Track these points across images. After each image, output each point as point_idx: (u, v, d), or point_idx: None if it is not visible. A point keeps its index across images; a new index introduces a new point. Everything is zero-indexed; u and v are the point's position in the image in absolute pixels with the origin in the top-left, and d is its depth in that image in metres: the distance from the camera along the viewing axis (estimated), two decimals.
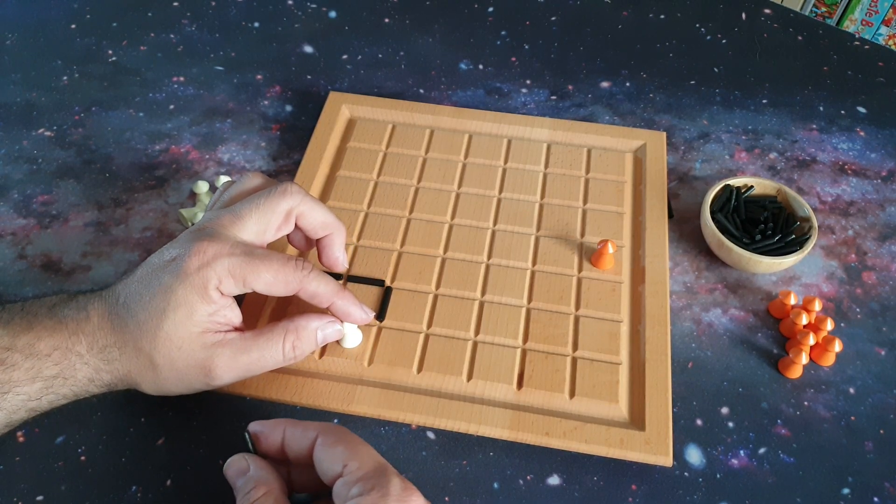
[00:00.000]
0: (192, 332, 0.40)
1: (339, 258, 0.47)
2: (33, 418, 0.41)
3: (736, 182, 0.56)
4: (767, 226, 0.54)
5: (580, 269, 0.52)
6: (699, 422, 0.47)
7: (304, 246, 0.48)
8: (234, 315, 0.42)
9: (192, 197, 0.58)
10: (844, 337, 0.51)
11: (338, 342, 0.48)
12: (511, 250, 0.53)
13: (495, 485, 0.44)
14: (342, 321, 0.45)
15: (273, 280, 0.41)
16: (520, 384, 0.47)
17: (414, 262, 0.52)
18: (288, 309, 0.50)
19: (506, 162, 0.59)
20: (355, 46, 0.71)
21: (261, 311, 0.50)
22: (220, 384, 0.42)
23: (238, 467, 0.38)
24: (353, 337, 0.47)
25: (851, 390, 0.49)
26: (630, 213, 0.56)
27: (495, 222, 0.55)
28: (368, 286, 0.51)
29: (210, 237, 0.41)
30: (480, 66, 0.69)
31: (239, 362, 0.41)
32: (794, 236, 0.53)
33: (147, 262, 0.42)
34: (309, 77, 0.68)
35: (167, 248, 0.42)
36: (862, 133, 0.65)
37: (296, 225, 0.45)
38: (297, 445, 0.38)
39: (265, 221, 0.43)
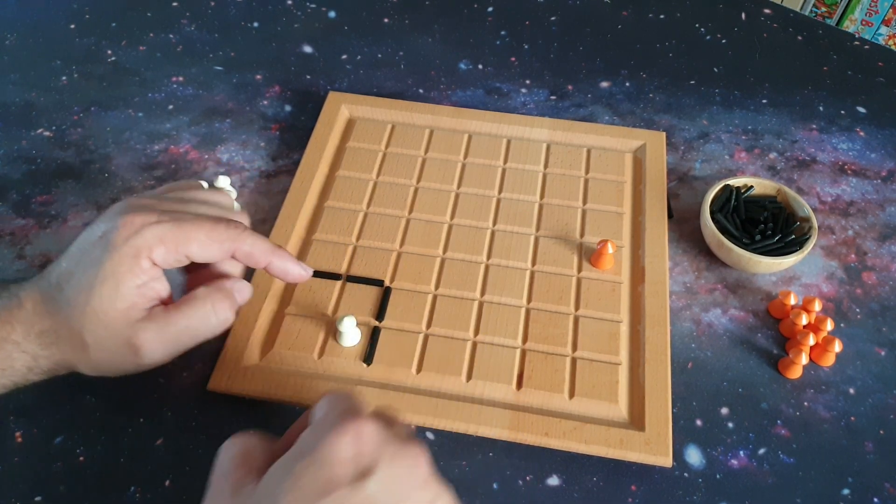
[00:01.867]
0: (118, 308, 0.38)
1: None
2: None
3: (736, 182, 0.56)
4: (767, 226, 0.54)
5: (580, 270, 0.52)
6: (699, 422, 0.47)
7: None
8: (163, 287, 0.41)
9: None
10: (844, 337, 0.51)
11: (336, 341, 0.48)
12: (510, 250, 0.53)
13: (495, 485, 0.44)
14: (284, 281, 0.45)
15: (206, 241, 0.40)
16: (519, 384, 0.47)
17: (413, 263, 0.52)
18: (286, 309, 0.50)
19: (505, 162, 0.59)
20: (355, 46, 0.71)
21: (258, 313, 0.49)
22: (149, 362, 0.40)
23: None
24: (350, 336, 0.47)
25: (851, 391, 0.49)
26: (630, 214, 0.56)
27: (495, 222, 0.55)
28: (368, 286, 0.51)
29: (137, 209, 0.40)
30: (480, 66, 0.69)
31: (166, 335, 0.39)
32: (793, 236, 0.53)
33: (77, 240, 0.41)
34: (308, 77, 0.68)
35: (96, 223, 0.41)
36: (862, 133, 0.65)
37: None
38: None
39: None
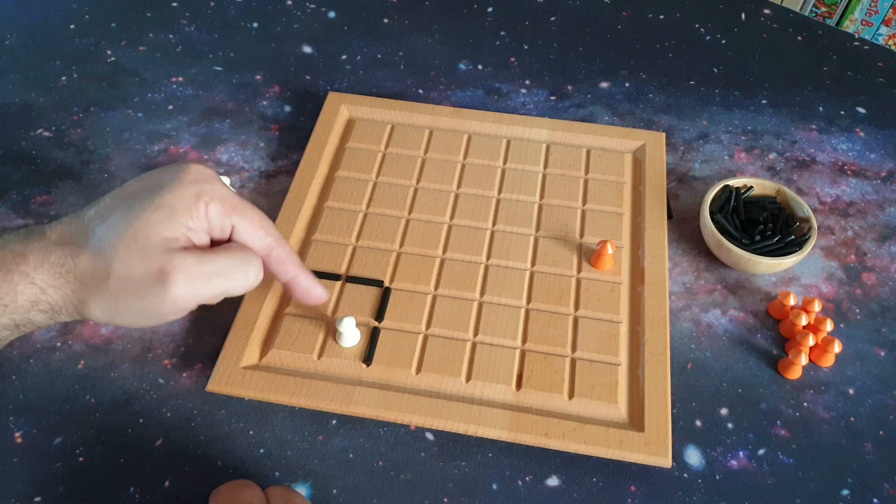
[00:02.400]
0: (161, 235, 0.38)
1: (315, 290, 0.46)
2: None
3: (735, 182, 0.56)
4: (767, 226, 0.54)
5: (579, 270, 0.52)
6: (698, 423, 0.47)
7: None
8: (205, 243, 0.41)
9: None
10: (844, 338, 0.51)
11: (336, 341, 0.48)
12: (510, 251, 0.53)
13: (494, 486, 0.44)
14: (302, 300, 0.46)
15: (256, 224, 0.41)
16: (519, 385, 0.47)
17: (413, 263, 0.52)
18: (285, 309, 0.50)
19: (505, 162, 0.59)
20: (354, 47, 0.71)
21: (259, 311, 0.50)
22: (174, 296, 0.38)
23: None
24: (350, 336, 0.47)
25: (851, 391, 0.49)
26: (629, 214, 0.56)
27: (494, 223, 0.55)
28: (367, 287, 0.51)
29: (204, 167, 0.41)
30: (480, 67, 0.69)
31: (200, 272, 0.38)
32: (793, 237, 0.53)
33: (124, 185, 0.40)
34: (308, 77, 0.68)
35: (152, 172, 0.41)
36: (861, 133, 0.65)
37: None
38: None
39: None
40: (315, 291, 0.45)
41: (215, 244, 0.42)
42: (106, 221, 0.38)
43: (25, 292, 0.37)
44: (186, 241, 0.39)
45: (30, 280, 0.37)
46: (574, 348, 0.48)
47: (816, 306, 0.51)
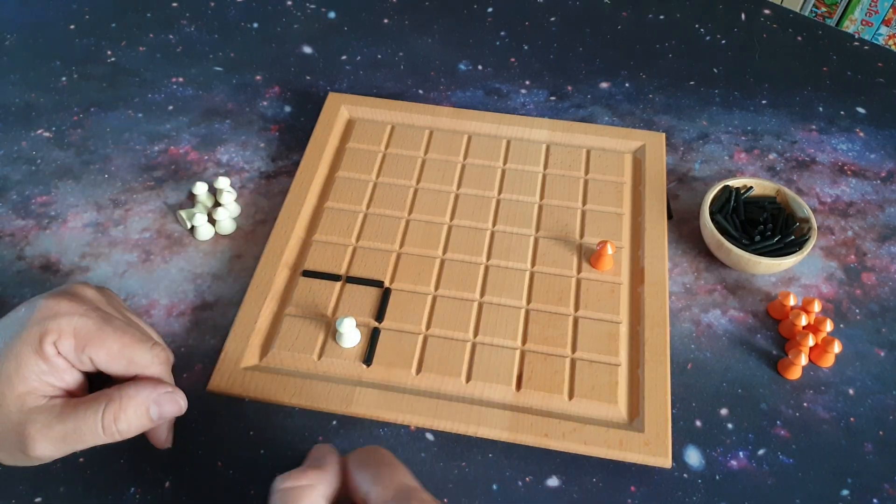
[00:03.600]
0: (16, 391, 0.36)
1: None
2: None
3: (735, 183, 0.56)
4: (767, 227, 0.54)
5: (579, 270, 0.52)
6: (698, 423, 0.47)
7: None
8: (73, 380, 0.38)
9: (191, 198, 0.58)
10: (844, 338, 0.51)
11: (336, 342, 0.48)
12: (510, 251, 0.53)
13: (494, 486, 0.44)
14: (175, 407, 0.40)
15: (118, 348, 0.38)
16: (519, 385, 0.47)
17: (413, 263, 0.52)
18: (284, 310, 0.50)
19: (505, 163, 0.59)
20: (354, 47, 0.71)
21: None
22: (38, 456, 0.36)
23: (318, 447, 0.37)
24: (350, 337, 0.47)
25: (851, 391, 0.49)
26: (629, 214, 0.56)
27: (494, 223, 0.55)
28: (367, 287, 0.51)
29: (69, 296, 0.38)
30: (480, 67, 0.69)
31: (54, 431, 0.36)
32: (793, 237, 0.53)
33: (6, 315, 0.38)
34: (308, 78, 0.68)
35: (27, 302, 0.38)
36: (861, 133, 0.65)
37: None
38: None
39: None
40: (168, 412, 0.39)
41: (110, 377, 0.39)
42: None
43: None
44: (46, 389, 0.37)
45: None
46: (574, 349, 0.48)
47: (816, 306, 0.51)
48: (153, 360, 0.39)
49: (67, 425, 0.36)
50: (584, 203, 0.56)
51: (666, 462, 0.44)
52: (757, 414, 0.47)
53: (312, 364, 0.47)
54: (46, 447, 0.36)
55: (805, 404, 0.48)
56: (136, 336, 0.39)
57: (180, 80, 0.67)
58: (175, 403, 0.39)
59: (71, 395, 0.38)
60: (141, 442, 0.45)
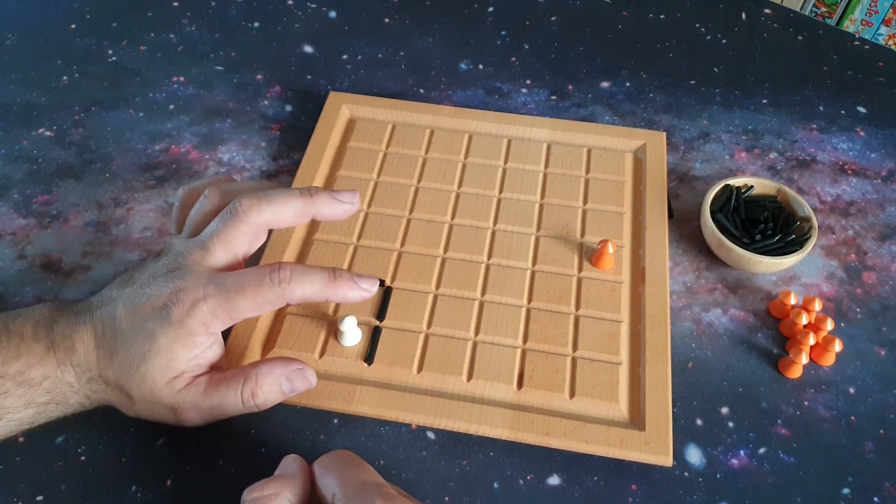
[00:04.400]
0: (166, 377, 0.40)
1: (335, 211, 0.44)
2: (21, 432, 0.43)
3: (736, 182, 0.56)
4: (767, 226, 0.54)
5: (580, 269, 0.52)
6: (699, 422, 0.47)
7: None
8: (215, 354, 0.42)
9: None
10: (844, 337, 0.51)
11: (337, 340, 0.48)
12: (511, 250, 0.53)
13: (495, 485, 0.44)
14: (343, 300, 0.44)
15: (254, 305, 0.40)
16: (520, 384, 0.47)
17: (414, 262, 0.52)
18: (287, 308, 0.50)
19: (506, 162, 0.59)
20: (355, 46, 0.71)
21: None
22: (190, 425, 0.43)
23: (286, 463, 0.39)
24: (351, 335, 0.47)
25: (851, 390, 0.49)
26: (630, 213, 0.56)
27: (495, 222, 0.55)
28: None
29: (186, 278, 0.41)
30: (480, 66, 0.69)
31: (202, 407, 0.41)
32: (794, 236, 0.53)
33: (132, 295, 0.41)
34: (309, 77, 0.68)
35: (147, 285, 0.41)
36: (862, 133, 0.65)
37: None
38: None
39: (231, 250, 0.42)
40: (352, 297, 0.43)
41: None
42: (117, 354, 0.40)
43: (74, 398, 0.42)
44: (193, 370, 0.41)
45: (75, 391, 0.41)
46: (575, 347, 0.48)
47: (817, 305, 0.51)
48: (284, 290, 0.41)
49: (213, 401, 0.41)
50: (585, 202, 0.56)
51: (667, 461, 0.44)
52: (758, 413, 0.47)
53: (313, 363, 0.48)
54: (195, 419, 0.42)
55: (806, 403, 0.48)
56: (255, 281, 0.40)
57: (181, 79, 0.67)
58: (305, 379, 0.43)
59: (215, 367, 0.43)
60: (143, 441, 0.45)
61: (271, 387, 0.42)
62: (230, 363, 0.47)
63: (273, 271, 0.41)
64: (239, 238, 0.42)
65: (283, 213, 0.43)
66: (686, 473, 0.45)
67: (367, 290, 0.44)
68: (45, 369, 0.40)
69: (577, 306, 0.50)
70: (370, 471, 0.37)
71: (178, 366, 0.40)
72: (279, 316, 0.50)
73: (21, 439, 0.45)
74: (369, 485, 0.35)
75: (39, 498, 0.43)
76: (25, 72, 0.67)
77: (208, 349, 0.42)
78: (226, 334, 0.49)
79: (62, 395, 0.41)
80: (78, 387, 0.41)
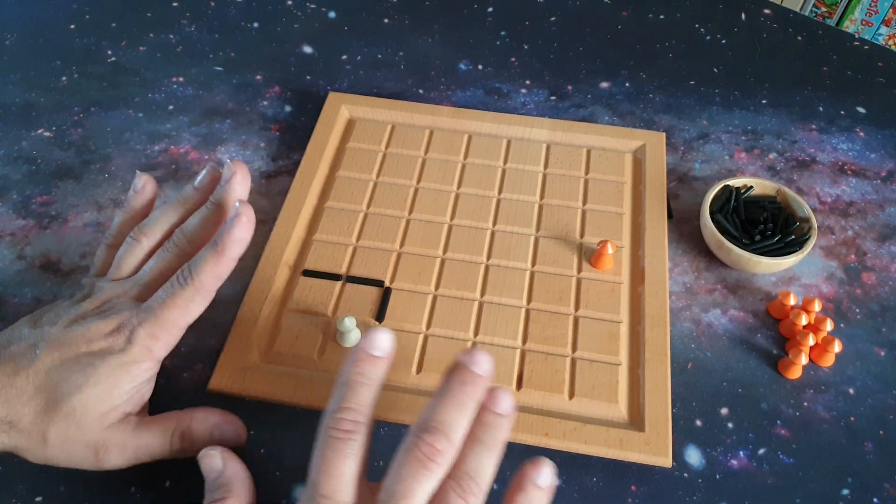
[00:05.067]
0: (99, 411, 0.39)
1: (229, 188, 0.44)
2: None
3: (735, 182, 0.56)
4: (767, 226, 0.54)
5: (580, 270, 0.52)
6: (699, 422, 0.47)
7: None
8: (148, 392, 0.42)
9: None
10: (844, 337, 0.51)
11: (336, 341, 0.48)
12: (510, 251, 0.53)
13: (495, 485, 0.44)
14: (243, 245, 0.43)
15: (181, 311, 0.40)
16: (519, 385, 0.47)
17: (413, 263, 0.52)
18: (287, 307, 0.50)
19: (505, 162, 0.59)
20: (355, 47, 0.71)
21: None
22: (109, 467, 0.40)
23: (211, 464, 0.39)
24: (351, 336, 0.47)
25: (851, 391, 0.49)
26: (629, 214, 0.56)
27: (495, 223, 0.55)
28: (368, 287, 0.51)
29: (121, 312, 0.40)
30: (480, 67, 0.69)
31: (128, 447, 0.40)
32: (793, 237, 0.53)
33: (55, 338, 0.39)
34: (308, 77, 0.68)
35: (78, 324, 0.40)
36: (861, 133, 0.65)
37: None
38: None
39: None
40: (237, 237, 0.42)
41: None
42: (34, 394, 0.38)
43: None
44: (127, 406, 0.40)
45: None
46: (574, 348, 0.48)
47: (816, 306, 0.51)
48: (191, 277, 0.41)
49: (141, 441, 0.40)
50: (585, 203, 0.56)
51: (666, 461, 0.44)
52: (757, 413, 0.47)
53: (313, 363, 0.47)
54: (118, 459, 0.40)
55: (805, 404, 0.48)
56: (168, 291, 0.40)
57: (181, 79, 0.67)
58: (236, 434, 0.43)
59: (138, 413, 0.41)
60: None
61: (201, 435, 0.42)
62: (230, 364, 0.47)
63: (177, 276, 0.41)
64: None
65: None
66: (685, 474, 0.45)
67: (246, 216, 0.42)
68: None
69: (577, 307, 0.50)
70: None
71: (116, 397, 0.39)
72: (278, 317, 0.50)
73: None
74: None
75: (38, 499, 0.43)
76: (25, 72, 0.67)
77: (146, 384, 0.41)
78: (223, 335, 0.49)
79: None
80: None
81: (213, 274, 0.41)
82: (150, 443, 0.40)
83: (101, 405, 0.39)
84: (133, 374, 0.40)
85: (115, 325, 0.40)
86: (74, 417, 0.38)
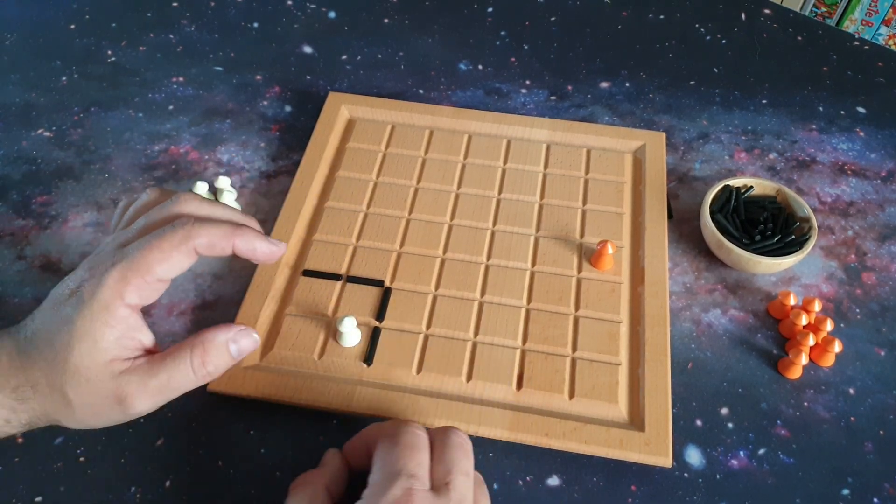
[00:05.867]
0: (100, 362, 0.37)
1: (258, 248, 0.42)
2: None
3: (735, 182, 0.56)
4: (767, 226, 0.54)
5: (580, 270, 0.52)
6: (699, 422, 0.47)
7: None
8: (145, 337, 0.40)
9: None
10: (844, 337, 0.51)
11: (336, 341, 0.48)
12: (510, 251, 0.53)
13: (495, 486, 0.44)
14: (254, 261, 0.43)
15: (162, 255, 0.38)
16: (519, 385, 0.47)
17: (413, 263, 0.52)
18: (289, 303, 0.50)
19: (505, 162, 0.59)
20: (355, 47, 0.71)
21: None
22: (137, 413, 0.39)
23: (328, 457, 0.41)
24: (350, 336, 0.47)
25: (851, 391, 0.49)
26: (629, 214, 0.56)
27: (495, 223, 0.55)
28: (368, 287, 0.51)
29: (96, 258, 0.39)
30: (480, 67, 0.69)
31: (150, 387, 0.38)
32: (793, 237, 0.53)
33: (50, 295, 0.40)
34: (308, 77, 0.68)
35: (67, 278, 0.40)
36: (861, 133, 0.65)
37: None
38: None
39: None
40: (261, 249, 0.42)
41: None
42: (42, 352, 0.38)
43: None
44: (126, 352, 0.39)
45: None
46: (574, 348, 0.48)
47: (816, 306, 0.51)
48: (188, 232, 0.39)
49: (161, 378, 0.39)
50: (585, 203, 0.56)
51: (666, 461, 0.44)
52: (757, 413, 0.47)
53: (313, 363, 0.47)
54: (145, 402, 0.39)
55: (805, 404, 0.48)
56: (156, 235, 0.39)
57: (181, 79, 0.67)
58: (250, 338, 0.42)
59: (149, 352, 0.40)
60: (142, 441, 0.45)
61: (219, 352, 0.40)
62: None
63: (175, 220, 0.40)
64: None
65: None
66: (686, 474, 0.45)
67: (277, 246, 0.42)
68: None
69: (577, 307, 0.50)
70: (421, 457, 0.37)
71: (106, 347, 0.38)
72: (278, 317, 0.50)
73: (20, 440, 0.45)
74: (395, 473, 0.36)
75: (38, 499, 0.43)
76: (25, 72, 0.67)
77: (135, 330, 0.39)
78: None
79: None
80: (1, 398, 0.38)
81: (213, 239, 0.39)
82: (171, 378, 0.39)
83: (99, 357, 0.37)
84: (110, 324, 0.37)
85: (89, 268, 0.38)
86: (81, 374, 0.37)
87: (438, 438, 0.39)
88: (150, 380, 0.38)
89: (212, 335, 0.40)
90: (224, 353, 0.41)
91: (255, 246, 0.41)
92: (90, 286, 0.38)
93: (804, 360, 0.48)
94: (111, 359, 0.38)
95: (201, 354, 0.40)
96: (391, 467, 0.36)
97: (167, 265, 0.38)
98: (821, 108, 0.66)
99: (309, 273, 0.51)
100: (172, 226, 0.39)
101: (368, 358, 0.47)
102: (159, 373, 0.39)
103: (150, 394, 0.39)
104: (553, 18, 0.75)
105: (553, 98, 0.67)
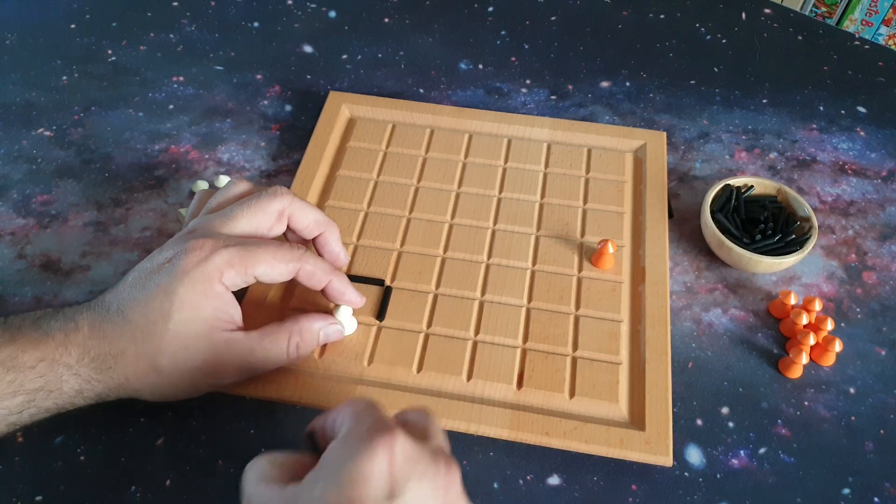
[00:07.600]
0: (200, 331, 0.40)
1: (339, 253, 0.48)
2: (12, 432, 0.40)
3: (736, 182, 0.56)
4: (767, 226, 0.54)
5: (580, 269, 0.52)
6: (699, 422, 0.47)
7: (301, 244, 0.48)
8: (237, 313, 0.42)
9: (192, 197, 0.58)
10: (845, 337, 0.51)
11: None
12: (511, 250, 0.53)
13: (495, 485, 0.44)
14: (337, 303, 0.47)
15: (272, 261, 0.41)
16: (520, 384, 0.47)
17: (414, 262, 0.52)
18: (289, 303, 0.50)
19: (506, 162, 0.59)
20: (355, 46, 0.71)
21: (259, 311, 0.49)
22: (225, 384, 0.42)
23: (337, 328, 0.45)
24: (348, 324, 0.47)
25: (852, 390, 0.49)
26: (630, 213, 0.56)
27: (495, 222, 0.55)
28: (368, 286, 0.51)
29: (203, 235, 0.41)
30: (480, 66, 0.69)
31: (246, 362, 0.41)
32: (794, 236, 0.53)
33: (137, 267, 0.41)
34: (309, 77, 0.68)
35: (158, 251, 0.42)
36: (862, 133, 0.65)
37: (288, 226, 0.45)
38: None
39: (256, 221, 0.43)
40: (349, 296, 0.46)
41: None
42: (132, 320, 0.39)
43: (70, 382, 0.39)
44: (223, 324, 0.41)
45: (73, 372, 0.39)
46: (575, 347, 0.48)
47: (817, 305, 0.51)
48: (300, 256, 0.43)
49: (258, 355, 0.42)
50: (585, 202, 0.56)
51: (667, 461, 0.44)
52: (758, 413, 0.47)
53: (313, 363, 0.47)
54: (232, 376, 0.42)
55: (806, 403, 0.48)
56: (275, 243, 0.43)
57: (181, 79, 0.67)
58: (339, 333, 0.46)
59: (239, 328, 0.42)
60: (142, 441, 0.45)
61: (313, 338, 0.44)
62: None
63: (291, 242, 0.45)
64: (267, 213, 0.43)
65: (308, 213, 0.45)
66: (686, 473, 0.45)
67: (360, 299, 0.47)
68: (40, 352, 0.38)
69: (577, 306, 0.50)
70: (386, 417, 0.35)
71: (206, 316, 0.40)
72: (279, 316, 0.50)
73: (20, 439, 0.45)
74: (382, 423, 0.33)
75: (38, 498, 0.43)
76: (25, 72, 0.67)
77: (230, 306, 0.41)
78: None
79: (56, 379, 0.39)
80: (78, 367, 0.39)
81: (316, 271, 0.43)
82: (268, 353, 0.42)
83: (198, 326, 0.39)
84: (210, 295, 0.40)
85: (192, 244, 0.40)
86: (179, 341, 0.39)
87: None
88: (247, 356, 0.41)
89: (309, 323, 0.44)
90: (315, 339, 0.45)
91: (345, 291, 0.46)
92: (194, 257, 0.39)
93: (805, 359, 0.48)
94: (210, 328, 0.40)
95: (298, 340, 0.43)
96: (359, 417, 0.34)
97: (270, 271, 0.42)
98: (821, 108, 0.66)
99: None
100: (291, 244, 0.43)
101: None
102: (256, 351, 0.42)
103: (243, 369, 0.42)
104: (553, 18, 0.75)
105: (553, 97, 0.67)
